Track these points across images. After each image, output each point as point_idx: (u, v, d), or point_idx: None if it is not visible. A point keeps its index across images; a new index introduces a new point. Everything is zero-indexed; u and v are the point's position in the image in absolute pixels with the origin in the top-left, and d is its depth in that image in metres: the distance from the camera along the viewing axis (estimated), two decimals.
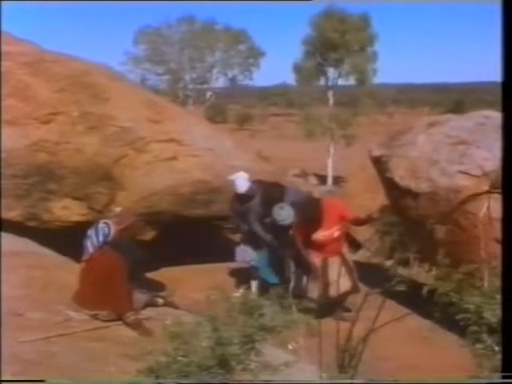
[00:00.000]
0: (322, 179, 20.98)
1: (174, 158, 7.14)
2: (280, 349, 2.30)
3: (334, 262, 5.69)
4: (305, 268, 5.75)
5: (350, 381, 2.20)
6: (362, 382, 2.21)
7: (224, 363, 1.95)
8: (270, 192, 6.27)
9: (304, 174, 18.82)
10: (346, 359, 2.08)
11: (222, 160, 7.41)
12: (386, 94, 34.67)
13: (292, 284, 5.71)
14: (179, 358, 1.96)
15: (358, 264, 6.51)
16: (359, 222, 5.99)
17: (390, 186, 6.03)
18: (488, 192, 4.30)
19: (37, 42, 7.93)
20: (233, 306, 2.18)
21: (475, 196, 4.60)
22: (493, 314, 1.83)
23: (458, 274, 1.94)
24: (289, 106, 41.86)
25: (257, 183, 6.52)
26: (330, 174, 22.49)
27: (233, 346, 2.04)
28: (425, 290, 2.06)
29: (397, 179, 5.83)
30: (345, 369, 2.07)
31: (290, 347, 2.19)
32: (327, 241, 5.65)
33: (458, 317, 1.93)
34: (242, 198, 6.40)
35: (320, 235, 5.65)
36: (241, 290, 2.33)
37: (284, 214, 5.86)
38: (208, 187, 7.19)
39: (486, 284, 1.92)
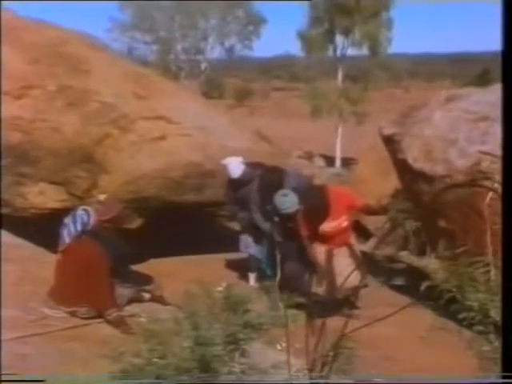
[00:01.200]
0: (330, 161, 20.94)
1: (162, 138, 7.16)
2: (269, 349, 2.29)
3: (340, 254, 5.69)
4: (308, 261, 5.75)
5: (350, 381, 2.23)
6: (362, 382, 2.27)
7: (205, 365, 1.96)
8: (268, 177, 6.27)
9: (309, 156, 18.80)
10: (318, 365, 2.09)
11: (216, 140, 7.43)
12: (402, 65, 34.49)
13: (290, 277, 5.70)
14: (155, 360, 1.96)
15: (367, 255, 6.51)
16: (370, 212, 5.97)
17: (403, 168, 6.01)
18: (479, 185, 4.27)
19: (8, 8, 7.84)
20: (215, 301, 2.19)
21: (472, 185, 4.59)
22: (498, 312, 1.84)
23: (461, 267, 1.93)
24: (293, 79, 41.69)
25: (253, 167, 6.53)
26: (338, 155, 22.42)
27: (215, 346, 2.05)
28: (424, 285, 2.05)
29: (410, 161, 5.80)
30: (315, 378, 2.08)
31: (279, 347, 2.19)
32: (334, 232, 5.65)
33: (461, 315, 1.93)
34: (237, 184, 6.42)
35: (327, 227, 5.65)
36: (224, 284, 2.31)
37: (288, 201, 5.83)
38: (200, 170, 7.20)
39: (492, 278, 1.92)
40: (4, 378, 2.73)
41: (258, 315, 2.20)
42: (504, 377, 1.87)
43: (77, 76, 7.03)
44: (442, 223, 5.55)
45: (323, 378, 2.06)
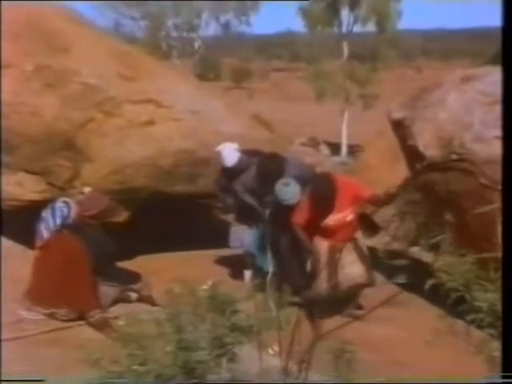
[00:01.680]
0: (335, 148, 20.92)
1: (151, 123, 7.13)
2: (259, 353, 2.28)
3: (344, 249, 5.65)
4: (308, 257, 5.76)
5: (351, 381, 2.25)
6: (363, 382, 2.27)
7: (189, 372, 1.96)
8: (266, 165, 6.24)
9: (313, 143, 18.69)
10: (292, 368, 2.10)
11: (211, 125, 7.41)
12: (413, 42, 34.38)
13: (288, 274, 5.74)
14: (134, 367, 1.96)
15: (375, 251, 6.51)
16: (378, 203, 5.96)
17: (413, 155, 5.99)
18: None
19: None
20: (200, 301, 2.17)
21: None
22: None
23: (468, 264, 1.92)
24: (295, 59, 41.54)
25: (250, 154, 6.51)
26: (344, 142, 22.42)
27: (199, 350, 2.04)
28: (428, 284, 2.05)
29: (421, 147, 5.79)
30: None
31: (271, 352, 2.19)
32: (339, 226, 5.65)
33: (469, 317, 1.92)
34: (231, 173, 6.42)
35: (331, 220, 5.64)
36: (210, 282, 2.30)
37: (290, 191, 5.85)
38: (193, 158, 7.18)
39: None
40: (4, 378, 2.77)
41: (248, 316, 2.19)
42: (504, 377, 1.93)
43: (56, 55, 7.00)
44: (452, 216, 5.55)
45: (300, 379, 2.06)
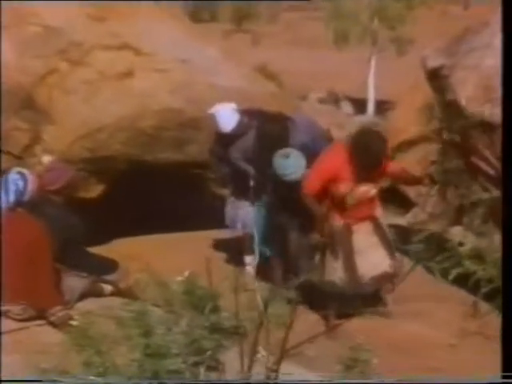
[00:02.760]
0: (360, 105, 20.79)
1: (128, 75, 7.11)
2: (245, 360, 2.28)
3: (361, 231, 5.71)
4: (320, 240, 5.75)
5: (350, 381, 2.32)
6: (363, 382, 2.35)
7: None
8: (267, 128, 6.27)
9: (333, 99, 18.64)
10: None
11: (204, 78, 7.39)
12: None
13: (295, 261, 5.81)
14: (91, 378, 1.97)
15: (405, 232, 6.50)
16: (408, 180, 6.05)
17: (454, 112, 6.01)
18: None
19: None
20: (173, 296, 2.16)
21: None
22: None
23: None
24: None
25: (251, 115, 6.50)
26: (371, 97, 22.17)
27: (172, 357, 2.03)
28: (453, 275, 2.09)
29: (463, 102, 5.81)
30: None
31: (260, 356, 2.19)
32: (359, 201, 5.69)
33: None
34: (228, 139, 6.43)
35: (352, 193, 5.66)
36: (186, 273, 2.29)
37: (291, 165, 5.84)
38: (181, 119, 7.19)
39: None
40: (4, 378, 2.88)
41: (232, 315, 2.18)
42: (504, 377, 2.19)
43: None
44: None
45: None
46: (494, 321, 2.06)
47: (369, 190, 5.71)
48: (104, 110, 6.95)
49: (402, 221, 7.38)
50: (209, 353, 2.11)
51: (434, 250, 3.32)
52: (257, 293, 2.24)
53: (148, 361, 2.04)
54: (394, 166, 5.90)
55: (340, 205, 5.68)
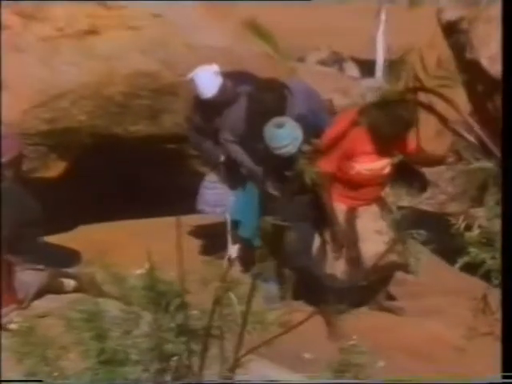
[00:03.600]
0: (367, 67, 20.74)
1: (93, 33, 7.09)
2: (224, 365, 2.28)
3: (367, 215, 5.75)
4: (319, 225, 5.81)
5: (351, 381, 2.38)
6: (363, 382, 2.42)
7: None
8: (260, 96, 6.23)
9: (335, 59, 18.56)
10: None
11: (182, 36, 7.40)
12: None
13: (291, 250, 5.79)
14: None
15: (421, 215, 6.52)
16: (425, 161, 6.17)
17: (474, 74, 6.01)
18: None
19: None
20: (131, 292, 2.15)
21: None
22: None
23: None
24: None
25: (237, 79, 6.52)
26: (379, 57, 22.10)
27: (131, 365, 2.00)
28: (460, 262, 2.16)
29: (484, 62, 5.84)
30: None
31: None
32: (370, 179, 5.75)
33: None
34: (209, 107, 6.42)
35: (363, 168, 5.73)
36: (146, 264, 2.30)
37: (285, 136, 5.84)
38: (155, 84, 7.19)
39: None
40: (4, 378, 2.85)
41: (202, 314, 2.15)
42: (504, 377, 2.35)
43: None
44: None
45: None
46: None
47: (386, 165, 5.79)
48: (64, 74, 6.93)
49: (415, 202, 7.41)
50: (175, 359, 2.08)
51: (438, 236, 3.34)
52: (231, 289, 2.22)
53: (103, 369, 2.03)
54: (410, 144, 5.93)
55: (347, 184, 5.75)
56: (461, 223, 2.28)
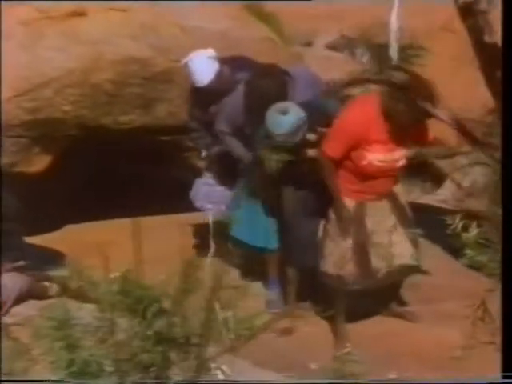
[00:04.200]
0: (380, 51, 20.79)
1: (79, 14, 7.12)
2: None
3: (377, 211, 5.75)
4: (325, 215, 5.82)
5: (351, 381, 2.45)
6: (363, 382, 2.50)
7: None
8: (260, 83, 6.23)
9: (345, 44, 18.53)
10: None
11: (174, 19, 7.43)
12: None
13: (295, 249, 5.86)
14: None
15: (434, 212, 6.51)
16: (441, 153, 6.32)
17: (493, 60, 5.92)
18: None
19: None
20: (105, 297, 2.14)
21: None
22: None
23: None
24: None
25: (235, 65, 6.52)
26: (393, 39, 22.20)
27: (104, 376, 1.98)
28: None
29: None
30: None
31: (220, 373, 2.19)
32: (382, 171, 5.75)
33: None
34: (207, 95, 6.42)
35: (375, 159, 5.73)
36: (122, 268, 2.35)
37: (288, 122, 5.83)
38: (147, 71, 7.21)
39: None
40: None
41: (183, 321, 2.09)
42: (504, 377, 2.54)
43: None
44: None
45: None
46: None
47: (401, 157, 5.80)
48: (48, 60, 6.98)
49: (429, 198, 7.42)
50: (152, 369, 2.08)
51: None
52: (214, 294, 2.22)
53: (74, 381, 2.00)
54: (427, 135, 5.98)
55: (357, 176, 5.75)
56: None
